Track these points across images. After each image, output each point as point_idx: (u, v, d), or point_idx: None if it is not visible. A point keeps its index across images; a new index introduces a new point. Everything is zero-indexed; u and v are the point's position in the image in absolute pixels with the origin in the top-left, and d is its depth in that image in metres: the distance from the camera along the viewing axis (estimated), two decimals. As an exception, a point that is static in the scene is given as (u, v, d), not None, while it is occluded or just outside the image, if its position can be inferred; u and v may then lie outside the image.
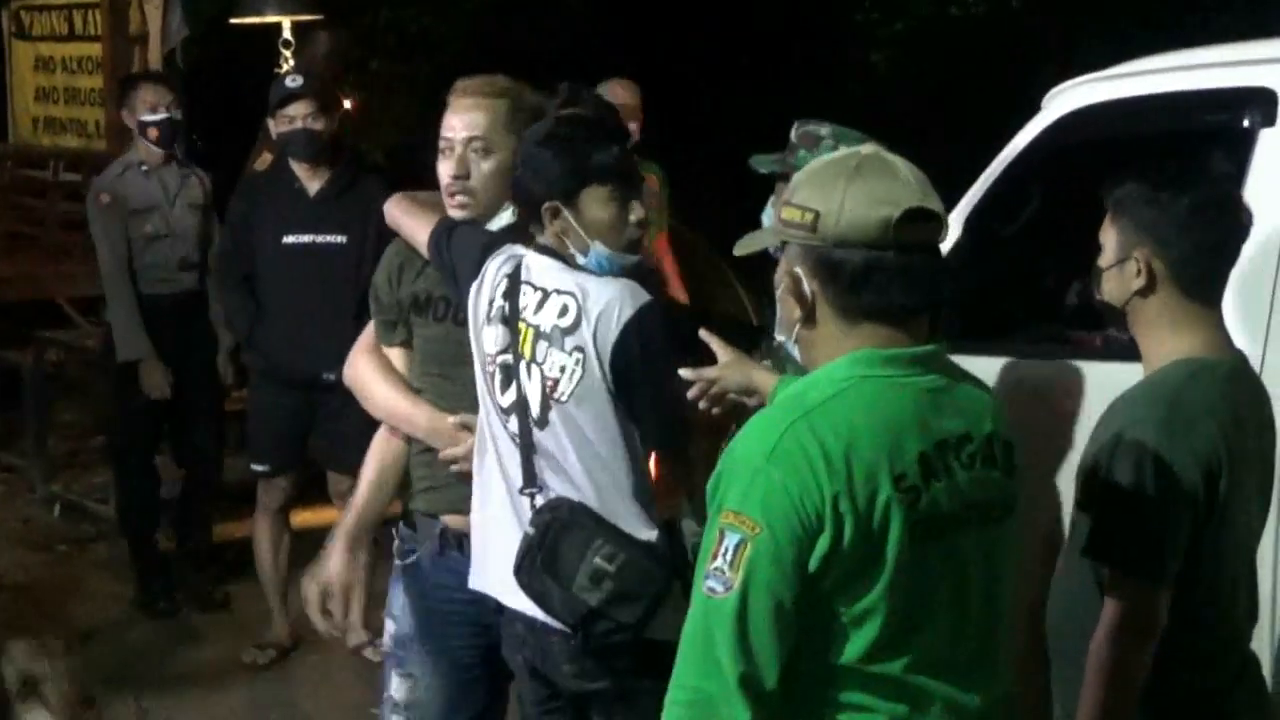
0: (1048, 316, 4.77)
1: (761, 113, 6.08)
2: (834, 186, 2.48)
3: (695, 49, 12.51)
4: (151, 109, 6.88)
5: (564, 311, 3.46)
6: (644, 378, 3.46)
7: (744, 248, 2.85)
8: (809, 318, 2.55)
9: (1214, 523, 3.14)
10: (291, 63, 8.62)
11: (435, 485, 3.83)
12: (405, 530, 3.95)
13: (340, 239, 6.13)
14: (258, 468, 6.61)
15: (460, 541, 3.75)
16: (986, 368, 3.59)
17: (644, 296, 3.46)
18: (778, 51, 12.32)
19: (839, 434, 2.41)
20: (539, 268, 3.51)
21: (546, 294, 3.47)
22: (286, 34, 8.80)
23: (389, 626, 3.97)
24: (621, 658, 3.47)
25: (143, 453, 7.16)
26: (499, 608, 3.62)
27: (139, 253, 6.90)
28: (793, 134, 3.91)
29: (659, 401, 3.51)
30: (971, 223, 4.65)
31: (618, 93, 6.75)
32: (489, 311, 3.53)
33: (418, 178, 4.13)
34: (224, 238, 6.72)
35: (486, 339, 3.54)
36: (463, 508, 3.71)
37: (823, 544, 2.39)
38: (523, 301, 3.50)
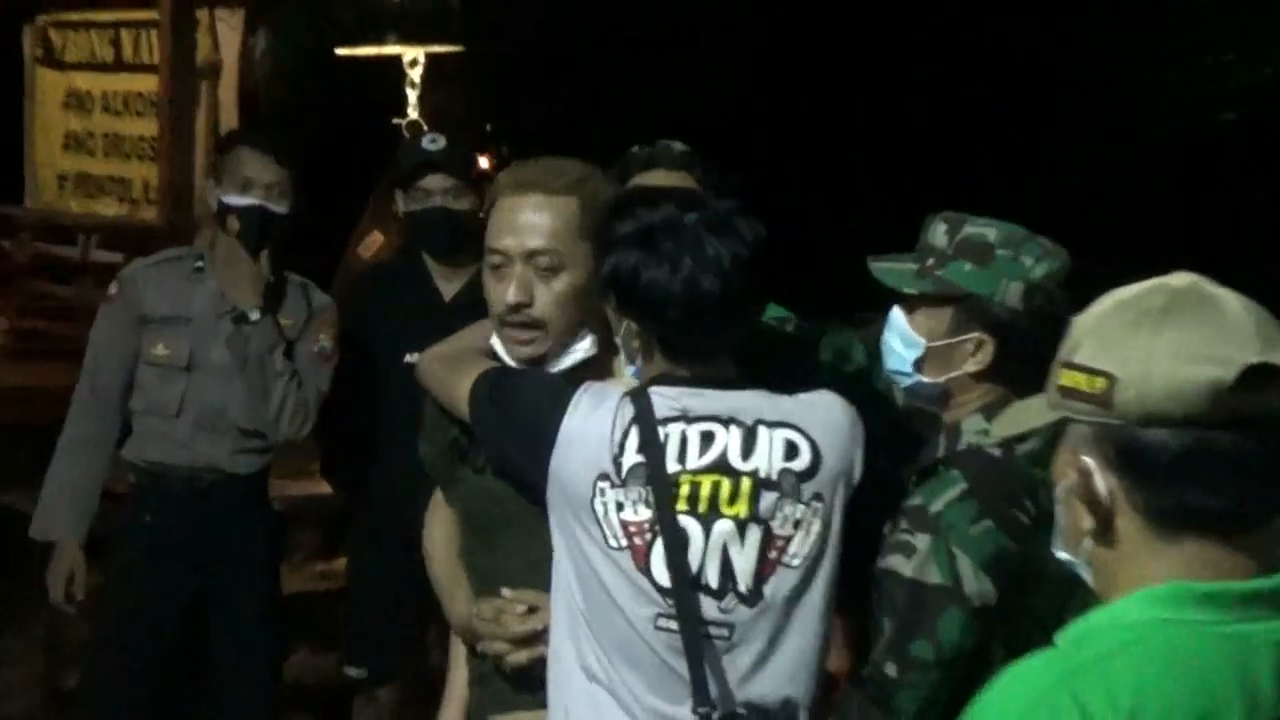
0: None
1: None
2: (1134, 339, 2.13)
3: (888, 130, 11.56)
4: (242, 187, 5.34)
5: (793, 451, 3.26)
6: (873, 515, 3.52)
7: (1010, 426, 2.60)
8: (1105, 530, 2.17)
9: None
10: (416, 111, 7.90)
11: (483, 675, 3.59)
12: None
13: None
14: (353, 673, 5.78)
15: None
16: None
17: (845, 399, 3.40)
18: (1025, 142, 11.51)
19: (1117, 706, 2.07)
20: (687, 401, 3.27)
21: (750, 430, 3.27)
22: (414, 73, 7.96)
23: None
24: None
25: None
26: None
27: (146, 386, 5.42)
28: (937, 235, 3.50)
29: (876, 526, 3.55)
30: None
31: None
32: (617, 473, 3.24)
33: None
34: None
35: (618, 508, 3.24)
36: (512, 704, 3.54)
37: None
38: (675, 448, 3.26)
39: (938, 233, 3.49)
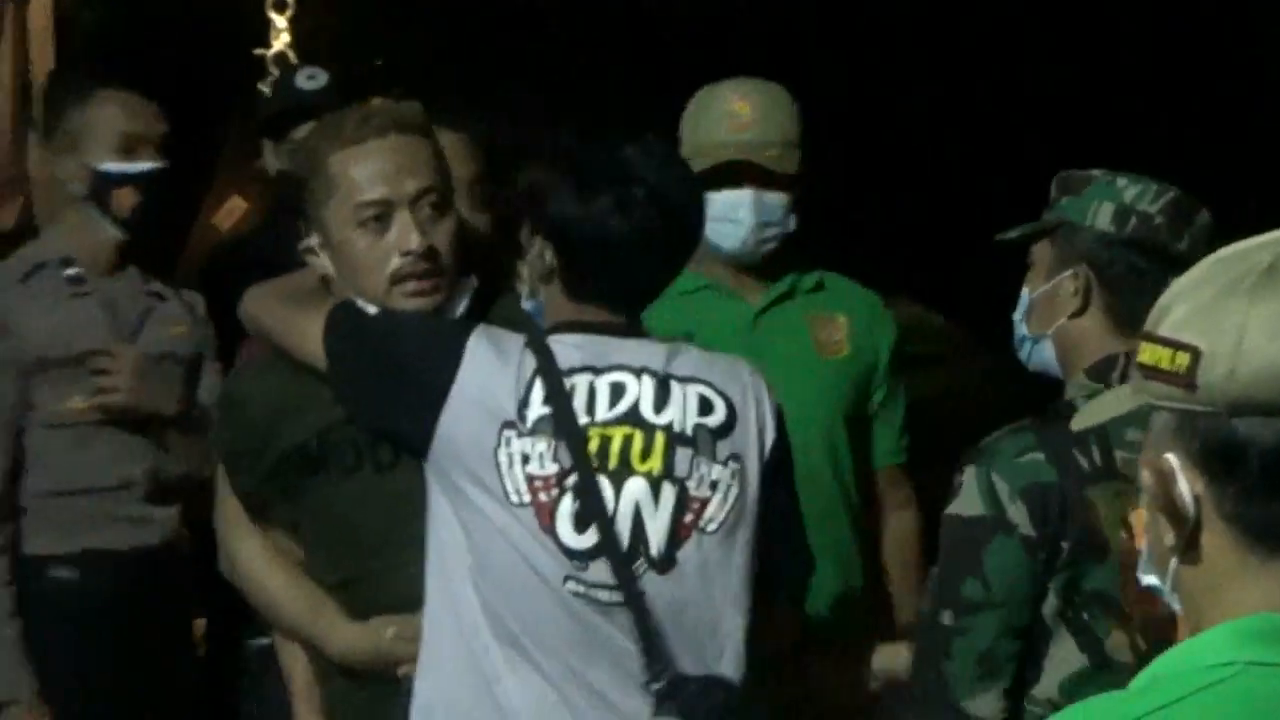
0: None
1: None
2: (1228, 304, 1.90)
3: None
4: (126, 149, 4.59)
5: (708, 406, 3.36)
6: (790, 492, 3.49)
7: (1087, 418, 2.46)
8: (1189, 546, 1.94)
9: None
10: (285, 39, 7.23)
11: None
12: None
13: None
14: None
15: None
16: None
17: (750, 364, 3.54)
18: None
19: None
20: (594, 349, 3.35)
21: (662, 381, 3.36)
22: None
23: None
24: None
25: None
26: None
27: (51, 457, 4.60)
28: (1052, 190, 3.63)
29: (800, 525, 3.53)
30: None
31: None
32: (522, 423, 3.30)
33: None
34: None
35: (524, 460, 3.30)
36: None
37: None
38: (583, 399, 3.33)
39: (1052, 187, 3.61)
